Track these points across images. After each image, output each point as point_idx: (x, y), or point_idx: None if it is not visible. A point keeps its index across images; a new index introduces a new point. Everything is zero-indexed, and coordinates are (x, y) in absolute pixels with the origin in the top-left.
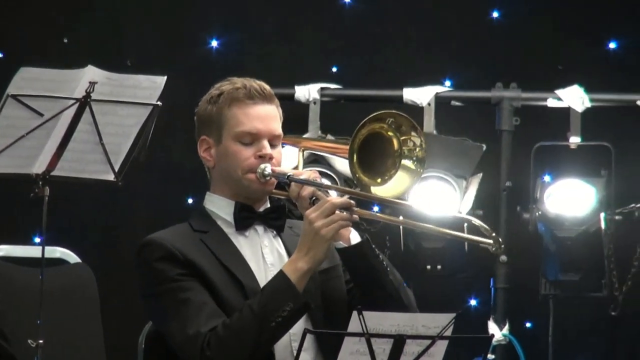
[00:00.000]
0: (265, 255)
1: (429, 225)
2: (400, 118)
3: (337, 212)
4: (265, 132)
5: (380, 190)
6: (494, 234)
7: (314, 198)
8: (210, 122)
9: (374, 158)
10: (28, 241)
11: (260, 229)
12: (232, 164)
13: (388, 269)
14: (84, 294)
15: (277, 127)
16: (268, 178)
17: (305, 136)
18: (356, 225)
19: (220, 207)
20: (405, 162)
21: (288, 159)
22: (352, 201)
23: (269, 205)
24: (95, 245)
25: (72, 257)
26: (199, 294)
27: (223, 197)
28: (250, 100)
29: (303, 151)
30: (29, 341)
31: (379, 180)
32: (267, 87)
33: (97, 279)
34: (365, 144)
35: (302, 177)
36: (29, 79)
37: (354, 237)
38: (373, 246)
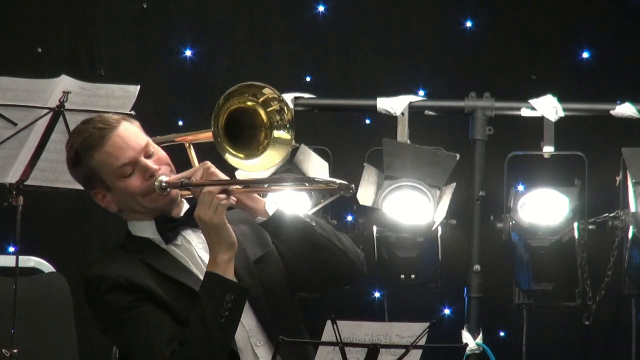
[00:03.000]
0: (202, 257)
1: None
2: (255, 88)
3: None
4: (135, 154)
5: (256, 163)
6: (341, 181)
7: None
8: (89, 179)
9: (245, 134)
10: (2, 251)
11: (188, 232)
12: (130, 198)
13: (314, 223)
14: (58, 303)
15: (140, 140)
16: (168, 190)
17: None
18: None
19: (143, 229)
20: (277, 132)
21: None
22: (224, 185)
23: (187, 207)
24: (69, 255)
25: (46, 267)
26: (155, 316)
27: (141, 220)
28: (103, 138)
29: (189, 146)
30: (3, 350)
31: (242, 154)
32: (105, 115)
33: (71, 288)
34: (231, 121)
35: (197, 176)
36: (2, 89)
37: (270, 208)
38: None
